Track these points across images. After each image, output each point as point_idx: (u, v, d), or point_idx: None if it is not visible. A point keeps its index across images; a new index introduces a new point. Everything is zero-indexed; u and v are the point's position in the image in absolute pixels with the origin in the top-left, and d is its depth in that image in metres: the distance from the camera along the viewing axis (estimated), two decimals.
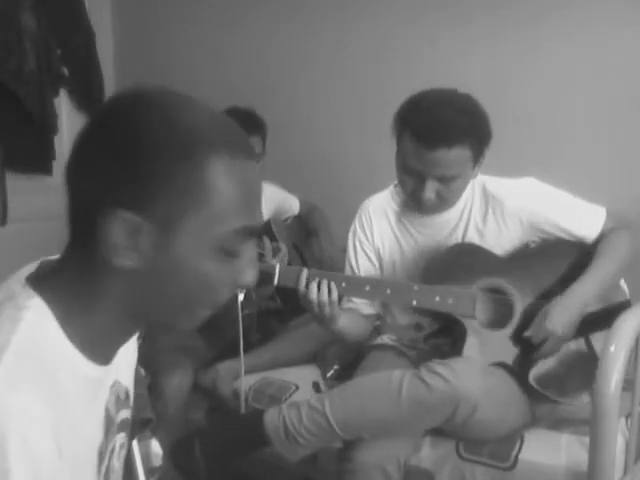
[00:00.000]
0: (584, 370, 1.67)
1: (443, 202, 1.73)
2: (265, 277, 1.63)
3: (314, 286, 1.64)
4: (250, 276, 0.81)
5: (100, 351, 0.80)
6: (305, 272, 1.66)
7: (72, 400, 0.74)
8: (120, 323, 0.80)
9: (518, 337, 1.71)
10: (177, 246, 0.74)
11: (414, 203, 1.76)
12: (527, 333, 1.68)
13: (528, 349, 1.70)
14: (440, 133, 1.60)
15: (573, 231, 1.78)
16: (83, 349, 0.77)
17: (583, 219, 1.78)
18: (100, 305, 0.77)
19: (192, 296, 0.78)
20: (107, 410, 0.85)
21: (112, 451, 0.88)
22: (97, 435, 0.83)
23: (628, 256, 1.76)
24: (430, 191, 1.67)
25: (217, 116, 0.79)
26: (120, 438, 0.90)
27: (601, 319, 1.73)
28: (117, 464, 0.90)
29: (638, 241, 1.77)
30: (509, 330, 1.74)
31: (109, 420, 0.85)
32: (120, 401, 0.88)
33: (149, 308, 0.79)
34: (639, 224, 1.81)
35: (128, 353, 0.92)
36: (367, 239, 1.89)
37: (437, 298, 1.68)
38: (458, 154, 1.62)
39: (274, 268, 1.66)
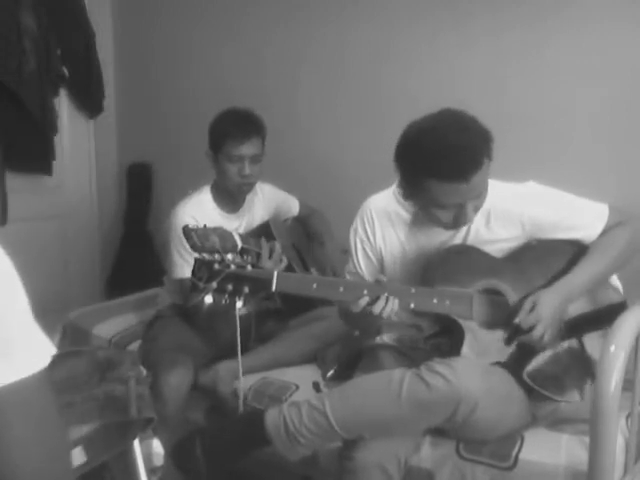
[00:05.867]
0: (575, 368, 1.69)
1: (477, 211, 1.74)
2: (262, 283, 1.62)
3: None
4: None
5: None
6: (275, 274, 1.64)
7: None
8: None
9: (511, 329, 1.72)
10: None
11: (453, 226, 1.75)
12: (516, 320, 1.69)
13: (522, 345, 1.71)
14: (469, 166, 1.60)
15: (575, 232, 1.78)
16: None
17: (585, 219, 1.78)
18: None
19: None
20: None
21: None
22: None
23: (627, 251, 1.77)
24: (472, 213, 1.69)
25: None
26: None
27: (594, 320, 1.74)
28: None
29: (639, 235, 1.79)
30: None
31: None
32: None
33: None
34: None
35: None
36: (368, 239, 1.89)
37: (434, 300, 1.68)
38: (485, 169, 1.64)
39: (272, 274, 1.65)
